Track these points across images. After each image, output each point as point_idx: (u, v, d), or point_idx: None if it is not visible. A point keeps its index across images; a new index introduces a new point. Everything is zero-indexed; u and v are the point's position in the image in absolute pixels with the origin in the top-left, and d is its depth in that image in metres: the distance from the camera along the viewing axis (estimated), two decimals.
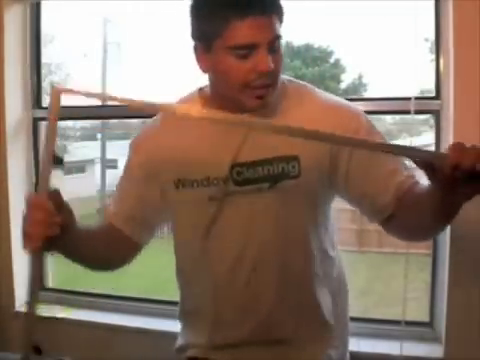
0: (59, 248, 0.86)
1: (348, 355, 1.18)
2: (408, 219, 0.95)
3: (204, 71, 0.97)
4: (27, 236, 0.76)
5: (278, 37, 0.90)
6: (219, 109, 0.95)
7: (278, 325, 1.06)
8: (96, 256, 1.05)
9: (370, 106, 1.70)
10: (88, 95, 0.79)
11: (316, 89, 1.05)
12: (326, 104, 1.01)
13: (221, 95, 0.99)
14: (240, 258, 1.02)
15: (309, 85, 1.06)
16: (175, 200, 1.05)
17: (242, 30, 0.86)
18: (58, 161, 0.88)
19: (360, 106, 1.67)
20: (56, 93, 0.75)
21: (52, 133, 0.75)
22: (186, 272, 1.13)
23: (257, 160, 0.97)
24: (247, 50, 0.88)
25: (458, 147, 0.69)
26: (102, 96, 0.80)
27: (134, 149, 1.10)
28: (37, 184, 2.09)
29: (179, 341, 1.19)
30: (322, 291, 1.07)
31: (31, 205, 0.77)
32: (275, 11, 0.90)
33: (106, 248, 1.05)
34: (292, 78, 1.07)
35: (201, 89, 1.06)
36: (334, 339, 1.10)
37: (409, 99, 1.52)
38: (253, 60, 0.88)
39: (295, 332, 1.07)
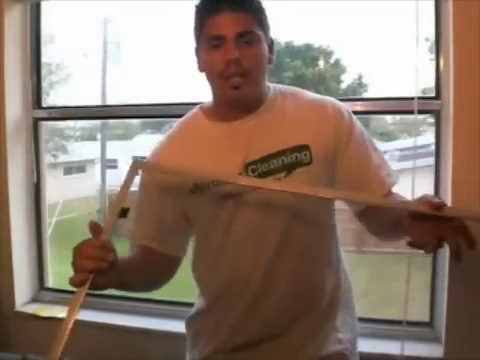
0: (104, 284, 0.90)
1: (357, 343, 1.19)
2: (375, 220, 1.07)
3: (200, 70, 1.07)
4: (77, 269, 0.83)
5: (249, 32, 0.99)
6: (220, 116, 1.07)
7: (286, 319, 1.08)
8: (140, 283, 1.09)
9: (372, 106, 1.70)
10: (170, 172, 0.92)
11: (308, 91, 1.15)
12: (323, 99, 1.11)
13: (215, 95, 1.08)
14: (260, 250, 1.05)
15: (301, 89, 1.15)
16: (194, 204, 1.08)
17: (213, 24, 0.98)
18: (123, 214, 0.95)
19: (362, 106, 1.69)
20: (134, 167, 0.89)
21: (123, 196, 0.88)
22: (203, 273, 1.16)
23: (270, 153, 1.03)
24: (218, 41, 0.98)
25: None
26: (184, 173, 0.88)
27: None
28: (37, 184, 2.10)
29: (188, 357, 1.20)
30: (330, 279, 1.12)
31: (91, 245, 0.83)
32: (246, 10, 0.99)
33: (146, 272, 1.08)
34: (287, 86, 1.15)
35: (202, 105, 1.14)
36: (342, 327, 1.13)
37: (411, 99, 1.52)
38: (223, 51, 0.98)
39: (298, 325, 1.09)
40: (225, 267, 1.09)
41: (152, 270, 1.10)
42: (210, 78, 1.04)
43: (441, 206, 0.79)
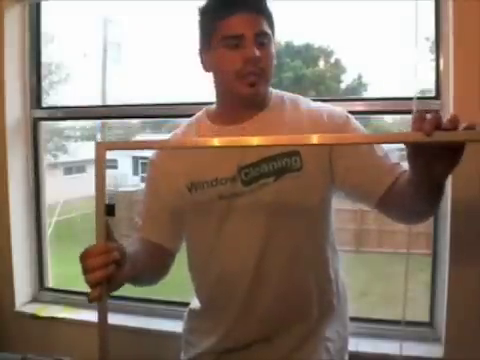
0: (121, 280, 0.87)
1: (346, 354, 1.19)
2: (399, 203, 1.00)
3: (207, 70, 1.08)
4: (89, 284, 0.79)
5: (264, 33, 1.01)
6: (222, 120, 1.10)
7: (275, 323, 1.08)
8: (146, 273, 1.08)
9: (372, 106, 1.70)
10: (135, 147, 0.81)
11: (311, 101, 1.15)
12: (319, 108, 1.11)
13: (222, 96, 1.10)
14: (248, 252, 1.06)
15: (305, 98, 1.16)
16: (189, 203, 1.10)
17: (232, 23, 1.00)
18: (111, 211, 0.91)
19: (361, 106, 1.69)
20: (101, 149, 0.76)
21: (102, 192, 0.78)
22: (196, 273, 1.17)
23: (262, 158, 1.04)
24: (236, 40, 1.00)
25: (418, 117, 0.75)
26: (150, 145, 0.83)
27: (152, 165, 1.18)
28: (37, 184, 2.10)
29: (183, 357, 1.20)
30: (322, 287, 1.11)
31: (91, 255, 0.80)
32: (261, 12, 1.02)
33: (148, 262, 1.07)
34: (291, 94, 1.16)
35: (207, 108, 1.16)
36: (332, 336, 1.13)
37: (410, 99, 1.52)
38: (241, 50, 1.00)
39: (288, 331, 1.09)
40: (215, 268, 1.10)
41: (154, 264, 1.11)
42: (223, 77, 1.05)
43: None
